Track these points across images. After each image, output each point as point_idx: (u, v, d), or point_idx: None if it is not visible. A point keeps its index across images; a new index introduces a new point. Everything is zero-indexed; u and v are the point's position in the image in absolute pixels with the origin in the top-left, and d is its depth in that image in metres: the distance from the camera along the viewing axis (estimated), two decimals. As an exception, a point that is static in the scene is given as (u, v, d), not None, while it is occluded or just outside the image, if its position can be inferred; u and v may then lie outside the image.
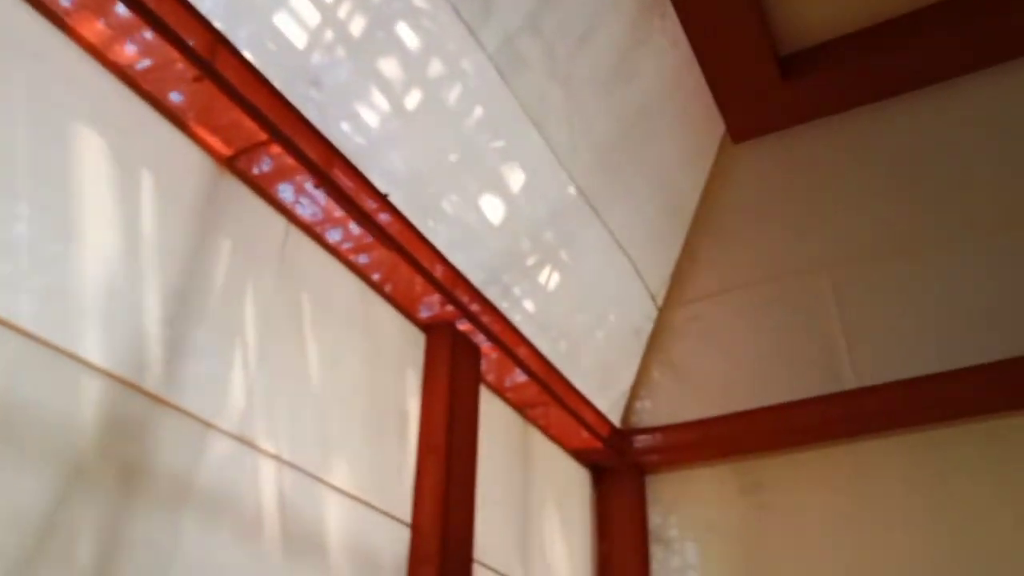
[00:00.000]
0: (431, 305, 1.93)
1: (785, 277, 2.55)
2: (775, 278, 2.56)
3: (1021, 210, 2.37)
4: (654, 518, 2.68)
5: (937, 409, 2.42)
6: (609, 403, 2.63)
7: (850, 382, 2.49)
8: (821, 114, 2.34)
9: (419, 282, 1.83)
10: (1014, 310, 2.37)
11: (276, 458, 1.44)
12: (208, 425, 1.32)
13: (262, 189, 1.55)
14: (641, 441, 2.71)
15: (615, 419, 2.67)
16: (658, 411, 2.72)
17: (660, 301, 2.59)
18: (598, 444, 2.56)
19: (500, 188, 1.86)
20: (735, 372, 2.60)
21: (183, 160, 1.40)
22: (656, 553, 2.63)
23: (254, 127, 1.41)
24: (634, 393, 2.71)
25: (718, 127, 2.43)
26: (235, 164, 1.48)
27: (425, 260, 1.80)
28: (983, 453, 2.36)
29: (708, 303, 2.58)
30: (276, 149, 1.47)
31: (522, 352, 2.14)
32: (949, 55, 2.22)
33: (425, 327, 1.97)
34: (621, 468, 2.70)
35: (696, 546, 2.60)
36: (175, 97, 1.38)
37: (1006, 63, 2.23)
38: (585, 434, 2.50)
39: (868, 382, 2.47)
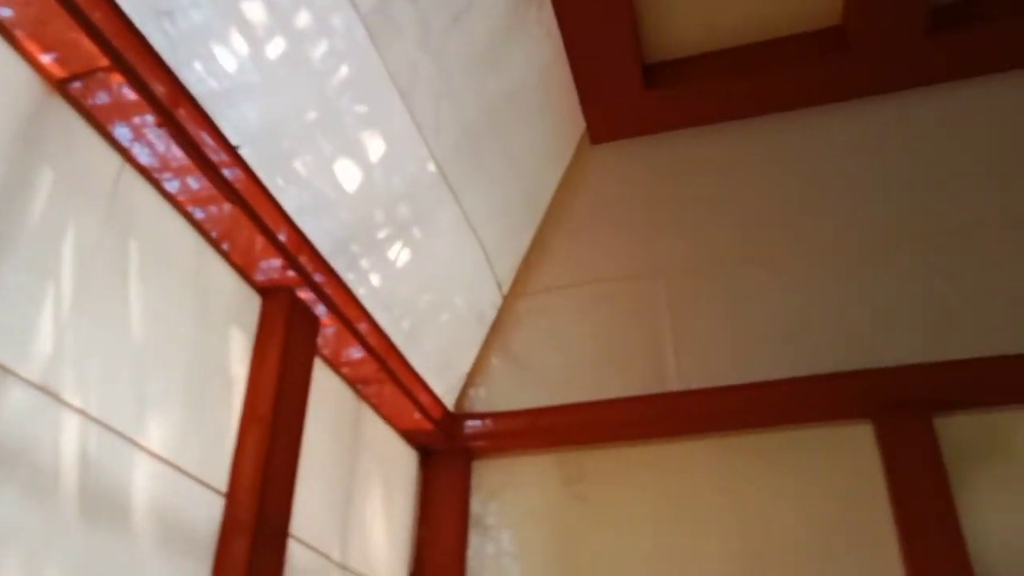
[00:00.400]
0: (271, 269, 1.85)
1: (626, 278, 2.65)
2: (617, 278, 2.64)
3: (842, 238, 2.57)
4: (476, 504, 2.70)
5: (746, 416, 2.60)
6: (446, 386, 2.63)
7: (673, 384, 2.62)
8: (678, 125, 2.44)
9: (261, 243, 1.74)
10: (818, 331, 2.58)
11: (82, 413, 1.32)
12: (6, 371, 1.19)
13: (97, 122, 1.41)
14: (471, 426, 2.73)
15: (449, 403, 2.67)
16: (492, 398, 2.74)
17: (506, 289, 2.61)
18: (429, 426, 2.55)
19: (358, 155, 1.80)
20: (570, 365, 2.67)
21: (5, 76, 1.26)
22: (474, 539, 2.65)
23: (94, 50, 1.28)
24: (471, 378, 2.72)
25: (579, 125, 2.48)
26: (68, 89, 1.35)
27: (270, 220, 1.72)
28: (781, 460, 2.55)
29: (552, 296, 2.63)
30: (117, 78, 1.34)
31: (363, 327, 2.09)
32: (799, 86, 2.37)
33: (262, 290, 1.88)
34: (449, 452, 2.70)
35: (513, 533, 2.65)
36: (3, 11, 1.23)
37: (848, 101, 2.41)
38: (417, 415, 2.48)
39: (689, 386, 2.61)
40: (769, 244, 2.60)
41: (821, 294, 2.57)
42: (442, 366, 2.50)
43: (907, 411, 2.50)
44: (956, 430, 2.49)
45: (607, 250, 2.63)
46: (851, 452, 2.52)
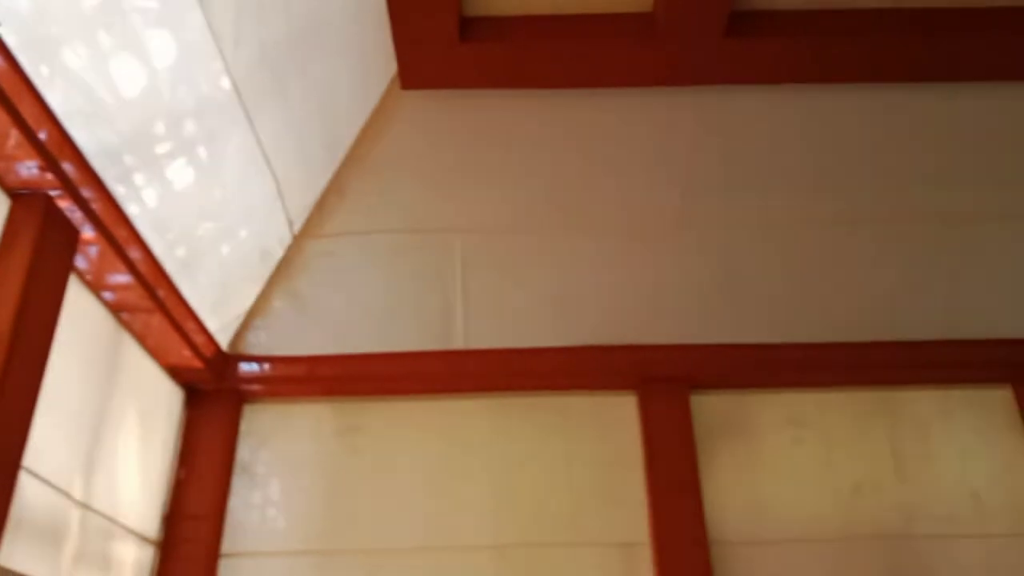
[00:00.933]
0: (26, 170, 1.64)
1: (423, 232, 2.63)
2: (413, 231, 2.62)
3: (625, 218, 2.70)
4: (244, 449, 2.59)
5: (522, 379, 2.68)
6: (220, 323, 2.48)
7: (458, 343, 2.65)
8: (490, 84, 2.44)
9: (16, 138, 1.54)
10: (595, 304, 2.71)
11: None
12: None
13: None
14: (246, 368, 2.60)
15: (223, 341, 2.53)
16: (272, 341, 2.63)
17: (297, 229, 2.50)
18: (199, 364, 2.40)
19: (142, 57, 1.64)
20: (356, 314, 2.62)
21: None
22: (239, 485, 2.55)
23: None
24: (250, 318, 2.59)
25: (390, 68, 2.41)
26: None
27: (29, 113, 1.52)
28: (550, 423, 2.67)
29: (345, 241, 2.56)
30: None
31: (132, 250, 1.92)
32: (606, 65, 2.45)
33: (12, 192, 1.67)
34: (219, 393, 2.57)
35: (282, 482, 2.57)
36: None
37: (650, 88, 2.53)
38: (186, 352, 2.33)
39: (473, 345, 2.65)
40: (561, 216, 2.68)
41: (600, 269, 2.69)
42: (218, 302, 2.36)
43: (667, 386, 2.69)
44: (708, 408, 2.72)
45: (406, 201, 2.60)
46: (615, 421, 2.68)
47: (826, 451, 2.69)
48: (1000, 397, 2.76)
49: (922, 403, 2.76)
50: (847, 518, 2.59)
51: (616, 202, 2.70)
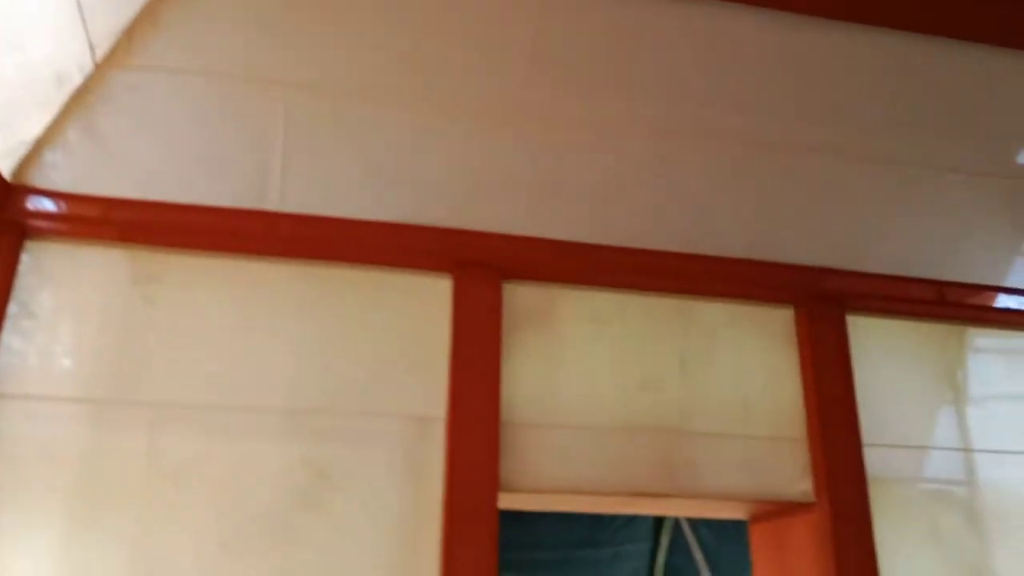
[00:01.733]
0: None
1: (246, 80, 2.46)
2: (236, 77, 2.44)
3: (465, 101, 2.65)
4: (23, 287, 2.41)
5: (337, 249, 2.63)
6: (4, 148, 2.26)
7: (273, 203, 2.55)
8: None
9: None
10: (420, 182, 2.68)
11: None
12: None
13: None
14: (34, 203, 2.39)
15: (6, 169, 2.30)
16: (64, 176, 2.41)
17: (100, 56, 2.27)
18: (-27, 189, 2.18)
19: None
20: (161, 159, 2.45)
21: None
22: (15, 324, 2.37)
23: None
24: (40, 147, 2.36)
25: None
26: None
27: None
28: (360, 296, 2.65)
29: (155, 77, 2.35)
30: None
31: None
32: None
33: None
34: (-2, 225, 2.35)
35: (64, 326, 2.41)
36: None
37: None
38: (-42, 173, 2.10)
39: (288, 208, 2.56)
40: (398, 86, 2.59)
41: (430, 147, 2.65)
42: (1, 123, 2.13)
43: (481, 272, 2.73)
44: (517, 297, 2.79)
45: (231, 43, 2.40)
46: (427, 301, 2.70)
47: (620, 349, 2.84)
48: (782, 316, 3.01)
49: (712, 314, 2.96)
50: (630, 410, 2.78)
51: (458, 82, 2.63)
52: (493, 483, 2.50)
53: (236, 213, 2.54)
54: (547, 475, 2.63)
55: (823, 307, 2.98)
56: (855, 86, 2.82)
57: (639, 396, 2.81)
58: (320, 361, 2.56)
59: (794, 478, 2.82)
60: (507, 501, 2.60)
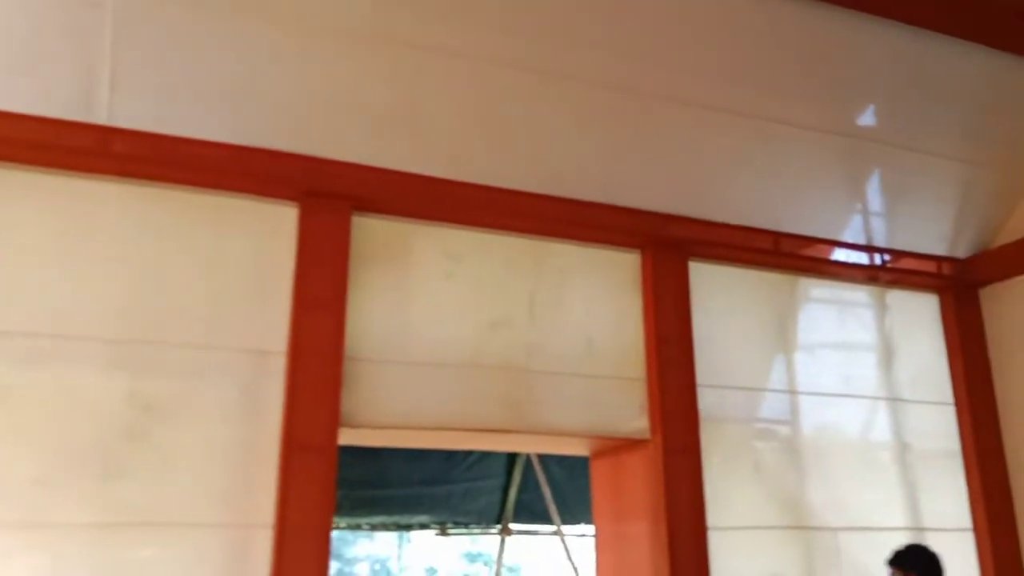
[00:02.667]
0: None
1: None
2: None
3: (321, 14, 2.51)
4: None
5: (176, 170, 2.46)
6: None
7: (101, 117, 2.36)
8: None
9: None
10: (268, 106, 2.55)
11: None
12: None
13: None
14: None
15: None
16: None
17: None
18: None
19: None
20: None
21: None
22: None
23: None
24: None
25: None
26: None
27: None
28: (201, 220, 2.51)
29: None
30: None
31: None
32: None
33: None
34: None
35: None
36: None
37: None
38: None
39: (120, 123, 2.37)
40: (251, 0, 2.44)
41: (279, 66, 2.52)
42: None
43: (331, 203, 2.64)
44: (368, 230, 2.72)
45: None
46: (271, 230, 2.59)
47: (473, 287, 2.84)
48: (629, 260, 3.09)
49: (564, 256, 3.00)
50: (480, 349, 2.79)
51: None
52: (334, 418, 2.46)
53: (60, 125, 2.33)
54: (392, 411, 2.61)
55: (667, 252, 3.07)
56: (713, 40, 2.88)
57: (489, 335, 2.82)
58: (153, 289, 2.42)
59: (632, 416, 2.93)
60: (349, 437, 2.57)
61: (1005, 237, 3.43)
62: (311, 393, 2.46)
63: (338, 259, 2.63)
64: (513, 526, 5.26)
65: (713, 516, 2.87)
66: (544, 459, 4.85)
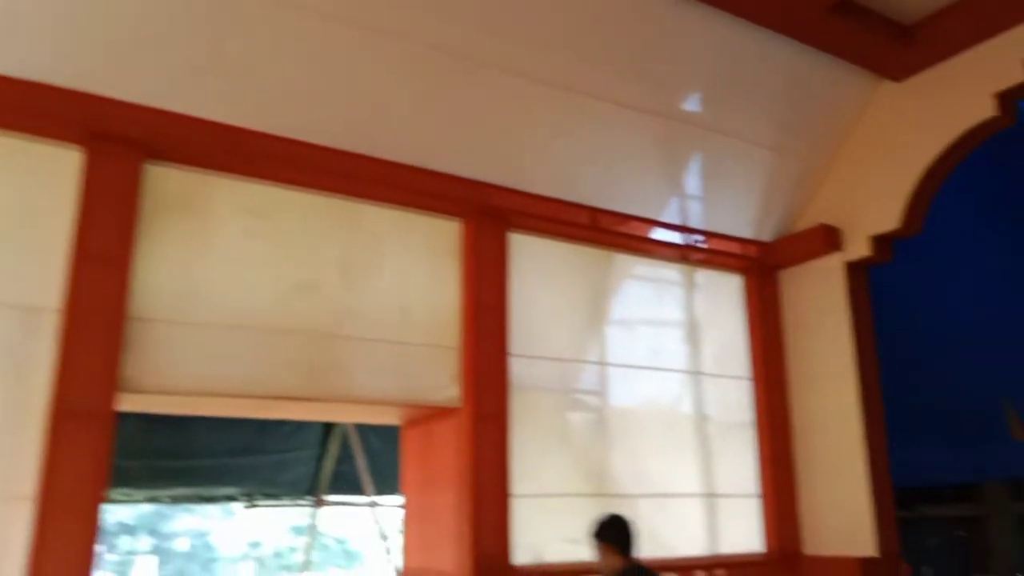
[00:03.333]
0: None
1: None
2: None
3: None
4: None
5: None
6: None
7: None
8: None
9: None
10: (45, 30, 2.27)
11: None
12: None
13: None
14: None
15: None
16: None
17: None
18: None
19: None
20: None
21: None
22: None
23: None
24: None
25: None
26: None
27: None
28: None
29: None
30: None
31: None
32: None
33: None
34: None
35: None
36: None
37: None
38: None
39: None
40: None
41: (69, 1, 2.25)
42: None
43: (120, 148, 2.40)
44: (162, 180, 2.50)
45: None
46: (49, 175, 2.33)
47: (277, 247, 2.68)
48: (449, 227, 3.02)
49: (380, 219, 2.90)
50: (282, 312, 2.64)
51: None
52: (111, 383, 2.25)
53: None
54: (181, 376, 2.42)
55: (488, 222, 3.04)
56: (546, 14, 2.83)
57: (293, 298, 2.68)
58: None
59: (444, 384, 2.89)
60: (131, 403, 2.37)
61: (804, 224, 3.65)
62: (86, 354, 2.23)
63: (125, 209, 2.40)
64: (330, 497, 5.13)
65: (518, 484, 2.89)
66: (362, 429, 4.74)
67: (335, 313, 2.75)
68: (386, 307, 2.85)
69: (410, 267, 2.92)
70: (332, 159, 2.73)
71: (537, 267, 3.18)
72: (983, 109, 3.01)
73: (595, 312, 3.32)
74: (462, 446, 2.85)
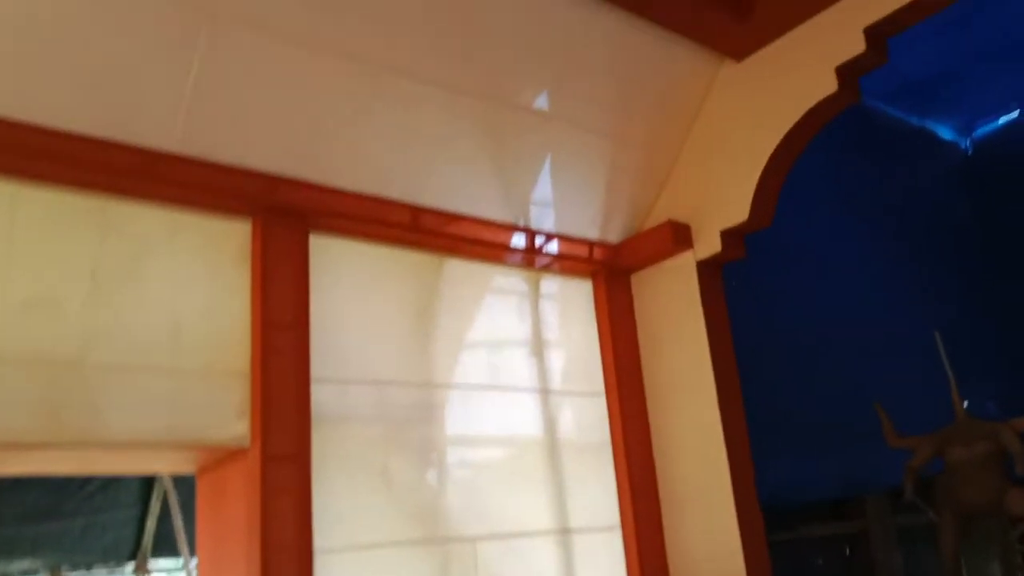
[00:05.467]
0: None
1: None
2: None
3: None
4: None
5: None
6: None
7: None
8: None
9: None
10: None
11: None
12: None
13: None
14: None
15: None
16: None
17: None
18: None
19: None
20: None
21: None
22: None
23: None
24: None
25: None
26: None
27: None
28: None
29: None
30: None
31: None
32: None
33: None
34: None
35: None
36: None
37: None
38: None
39: None
40: None
41: None
42: None
43: None
44: None
45: None
46: None
47: (3, 255, 2.15)
48: (236, 230, 2.54)
49: (146, 221, 2.39)
50: (9, 336, 2.10)
51: None
52: None
53: None
54: None
55: (283, 222, 2.58)
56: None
57: (24, 318, 2.14)
58: None
59: (228, 419, 2.38)
60: None
61: (653, 221, 3.34)
62: None
63: None
64: (155, 562, 4.47)
65: (325, 536, 2.40)
66: (181, 482, 4.13)
67: (81, 336, 2.21)
68: (152, 325, 2.33)
69: (184, 277, 2.42)
70: (78, 147, 2.21)
71: (348, 275, 2.73)
72: (825, 86, 2.78)
73: (422, 326, 2.88)
74: (251, 494, 2.34)
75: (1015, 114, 5.49)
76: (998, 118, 5.56)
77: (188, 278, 2.43)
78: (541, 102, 2.98)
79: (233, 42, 2.36)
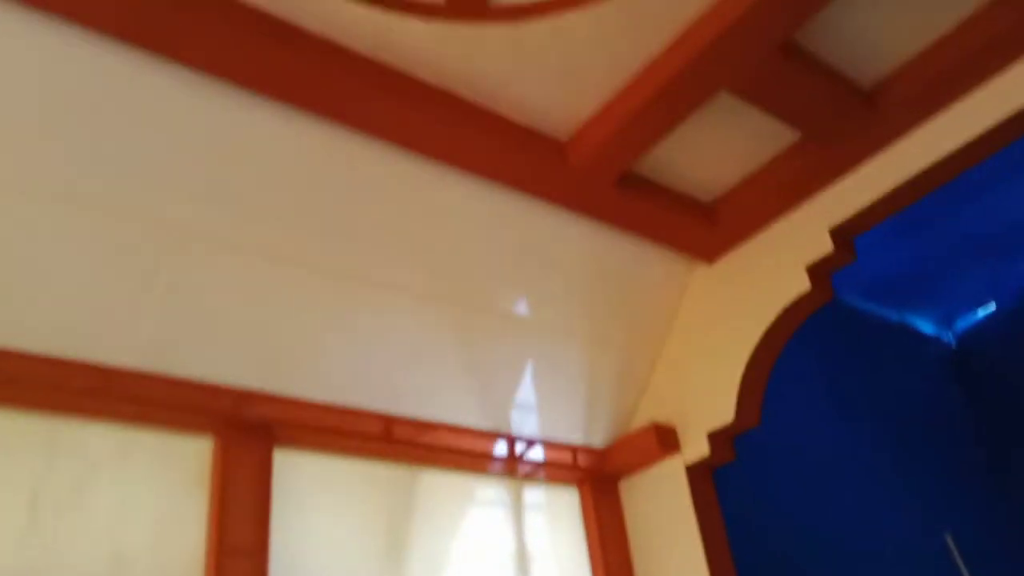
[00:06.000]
0: None
1: None
2: None
3: None
4: None
5: None
6: None
7: None
8: None
9: None
10: None
11: None
12: None
13: None
14: None
15: None
16: None
17: None
18: None
19: None
20: None
21: None
22: None
23: None
24: None
25: None
26: None
27: None
28: None
29: None
30: None
31: None
32: None
33: None
34: None
35: None
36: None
37: None
38: None
39: None
40: None
41: None
42: None
43: None
44: None
45: None
46: None
47: (-69, 483, 2.00)
48: (194, 448, 2.41)
49: (95, 441, 2.26)
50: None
51: None
52: None
53: None
54: None
55: (245, 439, 2.45)
56: (304, 192, 2.46)
57: (-50, 551, 1.96)
58: None
59: (168, 664, 2.13)
60: None
61: (638, 423, 3.22)
62: None
63: None
64: None
65: None
66: None
67: (14, 568, 2.02)
68: (94, 556, 2.13)
69: (134, 501, 2.25)
70: (19, 364, 2.13)
71: (314, 492, 2.57)
72: (797, 285, 2.77)
73: (395, 544, 2.67)
74: None
75: (992, 307, 5.54)
76: (975, 311, 5.60)
77: (137, 503, 2.26)
78: (516, 307, 2.96)
79: (197, 260, 2.35)
